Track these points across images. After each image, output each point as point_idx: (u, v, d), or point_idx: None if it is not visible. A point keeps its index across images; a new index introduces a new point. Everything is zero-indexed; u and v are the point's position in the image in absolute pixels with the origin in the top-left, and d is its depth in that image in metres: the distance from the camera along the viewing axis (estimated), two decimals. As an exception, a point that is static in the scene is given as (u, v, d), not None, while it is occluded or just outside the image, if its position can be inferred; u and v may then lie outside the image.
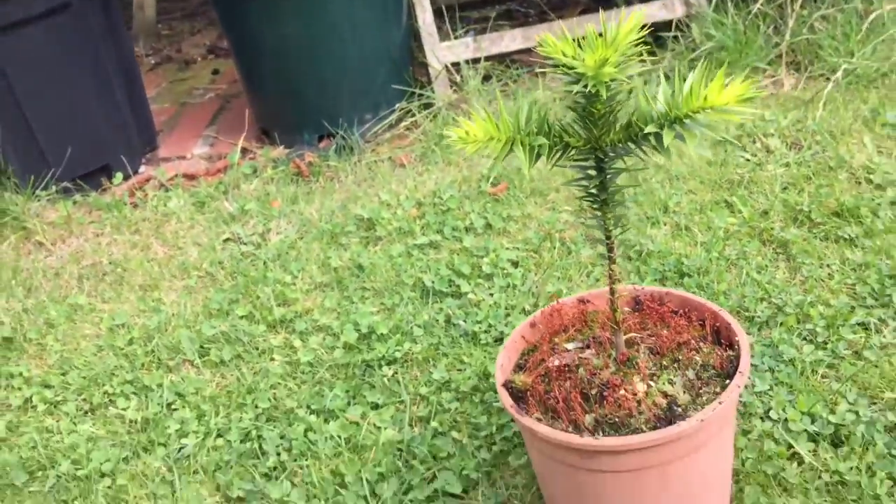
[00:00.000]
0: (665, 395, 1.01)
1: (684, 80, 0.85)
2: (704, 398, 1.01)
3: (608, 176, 0.94)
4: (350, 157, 2.29)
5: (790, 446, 1.21)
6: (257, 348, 1.62)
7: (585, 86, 0.83)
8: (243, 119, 2.55)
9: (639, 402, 0.99)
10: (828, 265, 1.58)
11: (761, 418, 1.27)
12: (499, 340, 1.52)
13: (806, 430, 1.22)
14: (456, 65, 2.44)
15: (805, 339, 1.41)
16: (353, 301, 1.70)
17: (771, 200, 1.80)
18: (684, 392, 1.01)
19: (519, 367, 1.12)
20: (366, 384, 1.49)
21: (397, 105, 2.42)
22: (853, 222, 1.67)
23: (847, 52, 2.27)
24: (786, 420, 1.25)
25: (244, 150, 2.46)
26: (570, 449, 0.99)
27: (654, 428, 0.97)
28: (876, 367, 1.33)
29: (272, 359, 1.59)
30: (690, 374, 1.04)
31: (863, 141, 1.95)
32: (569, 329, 1.15)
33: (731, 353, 1.06)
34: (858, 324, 1.42)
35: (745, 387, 1.29)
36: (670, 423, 0.97)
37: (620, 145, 0.91)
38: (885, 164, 1.85)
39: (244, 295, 1.77)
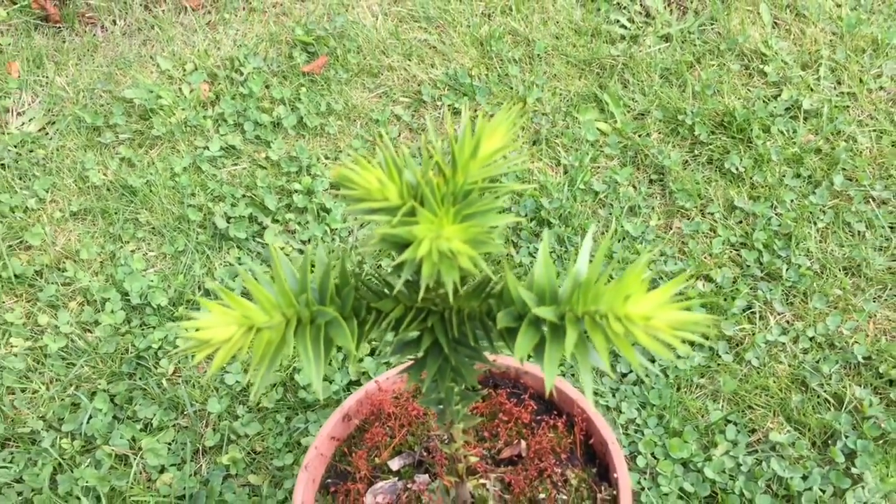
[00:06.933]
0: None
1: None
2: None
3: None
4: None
5: None
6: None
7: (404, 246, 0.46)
8: None
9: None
10: (710, 214, 1.31)
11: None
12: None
13: (679, 493, 1.02)
14: None
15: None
16: (122, 243, 1.30)
17: (648, 97, 1.47)
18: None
19: (325, 490, 0.82)
20: (137, 389, 1.15)
21: None
22: (741, 143, 1.39)
23: None
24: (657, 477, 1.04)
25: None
26: None
27: None
28: (759, 373, 1.13)
29: (10, 345, 1.20)
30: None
31: (758, 10, 1.61)
32: (394, 430, 0.84)
33: (608, 491, 0.80)
34: (743, 311, 1.19)
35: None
36: None
37: (465, 324, 0.55)
38: (781, 49, 1.54)
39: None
